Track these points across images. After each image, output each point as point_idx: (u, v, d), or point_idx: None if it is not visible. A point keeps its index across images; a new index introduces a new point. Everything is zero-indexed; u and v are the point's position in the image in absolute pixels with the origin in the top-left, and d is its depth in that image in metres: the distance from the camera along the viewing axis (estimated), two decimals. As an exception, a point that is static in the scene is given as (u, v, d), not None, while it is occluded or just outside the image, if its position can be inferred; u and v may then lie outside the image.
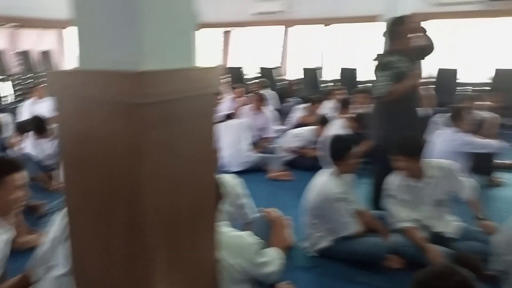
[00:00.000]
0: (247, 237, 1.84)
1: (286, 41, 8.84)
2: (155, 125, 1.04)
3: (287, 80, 8.56)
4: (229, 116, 4.85)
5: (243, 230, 2.29)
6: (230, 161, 4.47)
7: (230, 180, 2.38)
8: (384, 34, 2.98)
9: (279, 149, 4.72)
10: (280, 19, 8.56)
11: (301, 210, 2.74)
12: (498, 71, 6.54)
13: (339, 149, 2.55)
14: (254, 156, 4.53)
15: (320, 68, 8.19)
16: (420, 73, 2.93)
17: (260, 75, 8.18)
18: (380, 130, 2.96)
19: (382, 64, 2.88)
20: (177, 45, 1.14)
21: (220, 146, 4.59)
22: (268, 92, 7.11)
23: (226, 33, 9.48)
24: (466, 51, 7.45)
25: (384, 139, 2.87)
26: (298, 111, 5.81)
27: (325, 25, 8.26)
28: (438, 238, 2.57)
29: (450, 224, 2.63)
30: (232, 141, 4.49)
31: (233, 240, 1.77)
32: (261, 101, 5.43)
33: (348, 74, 7.52)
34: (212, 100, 1.31)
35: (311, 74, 7.96)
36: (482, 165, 3.84)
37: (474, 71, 7.06)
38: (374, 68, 2.91)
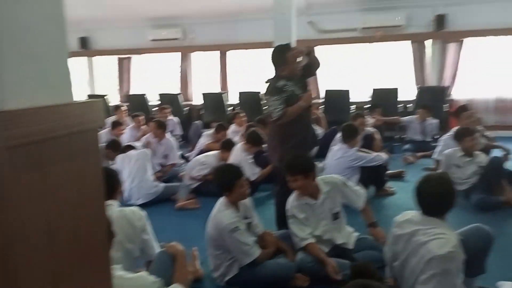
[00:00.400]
0: (145, 277, 1.73)
1: (187, 67, 8.85)
2: (23, 170, 0.92)
3: (193, 105, 8.55)
4: (129, 147, 4.63)
5: (146, 268, 2.16)
6: (135, 193, 4.23)
7: (132, 214, 2.22)
8: (272, 60, 3.09)
9: (185, 177, 4.62)
10: (176, 46, 8.59)
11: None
12: (375, 91, 7.33)
13: (226, 180, 2.53)
14: (160, 186, 4.36)
15: (225, 93, 8.32)
16: (310, 94, 3.09)
17: (160, 101, 8.04)
18: (277, 151, 3.05)
19: (273, 88, 2.99)
20: (48, 80, 1.05)
21: (122, 178, 4.34)
22: (171, 118, 7.03)
23: (125, 60, 9.18)
24: (352, 73, 8.24)
25: (282, 160, 2.97)
26: (205, 137, 5.80)
27: (221, 51, 8.47)
28: (340, 250, 2.71)
29: (349, 235, 2.80)
30: (136, 172, 4.27)
31: (130, 283, 1.64)
32: (162, 128, 5.30)
33: (250, 98, 7.72)
34: (96, 135, 1.22)
35: (216, 99, 8.04)
36: (374, 177, 4.19)
37: (360, 91, 7.84)
38: (264, 93, 3.03)
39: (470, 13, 6.99)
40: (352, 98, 7.39)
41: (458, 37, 7.18)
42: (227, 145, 4.64)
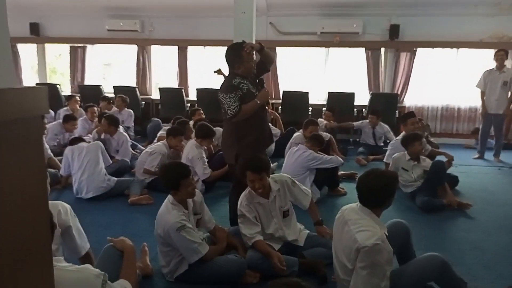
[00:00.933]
0: (89, 270, 1.65)
1: (146, 60, 8.63)
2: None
3: (151, 99, 8.35)
4: (79, 139, 4.45)
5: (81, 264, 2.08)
6: (84, 187, 4.09)
7: (50, 209, 2.07)
8: (227, 59, 3.06)
9: (137, 172, 4.51)
10: (134, 38, 8.37)
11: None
12: (330, 94, 7.48)
13: (172, 179, 2.49)
14: (112, 180, 4.22)
15: (182, 88, 8.18)
16: (266, 92, 3.10)
17: (115, 95, 7.79)
18: (233, 149, 3.03)
19: (228, 86, 2.96)
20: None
21: (72, 171, 4.17)
22: (126, 111, 6.85)
23: (79, 49, 8.79)
24: (312, 76, 8.38)
25: (236, 158, 2.98)
26: (163, 131, 5.68)
27: (180, 47, 8.34)
28: (291, 248, 2.76)
29: (300, 233, 2.86)
30: (86, 164, 4.11)
31: (72, 274, 1.57)
32: (113, 124, 5.14)
33: (208, 95, 7.63)
34: (37, 123, 1.17)
35: (175, 95, 7.90)
36: (328, 178, 4.29)
37: (320, 93, 8.01)
38: (219, 91, 2.98)
39: (421, 25, 7.36)
40: (311, 100, 7.49)
41: (410, 46, 7.53)
42: (174, 132, 4.57)
